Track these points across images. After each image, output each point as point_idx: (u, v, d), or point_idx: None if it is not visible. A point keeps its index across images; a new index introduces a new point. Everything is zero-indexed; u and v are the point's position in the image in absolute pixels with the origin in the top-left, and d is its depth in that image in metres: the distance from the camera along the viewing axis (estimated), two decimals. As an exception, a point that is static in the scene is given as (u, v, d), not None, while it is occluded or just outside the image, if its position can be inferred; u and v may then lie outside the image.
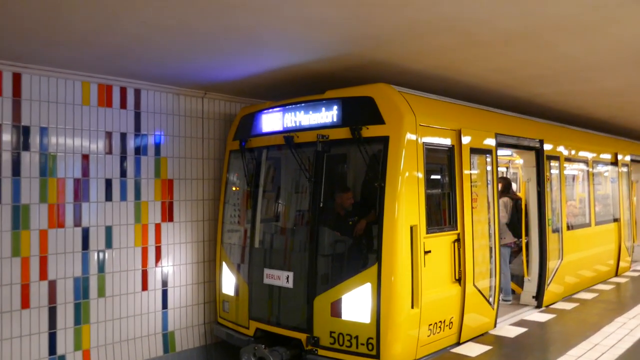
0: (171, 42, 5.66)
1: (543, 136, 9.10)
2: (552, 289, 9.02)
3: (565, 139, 10.22)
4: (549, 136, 9.38)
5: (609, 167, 12.62)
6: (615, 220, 12.25)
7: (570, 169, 10.80)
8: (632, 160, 13.48)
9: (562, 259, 9.29)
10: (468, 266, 6.87)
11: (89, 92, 6.99)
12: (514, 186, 10.78)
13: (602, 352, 6.38)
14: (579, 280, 10.22)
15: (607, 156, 12.35)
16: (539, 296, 8.83)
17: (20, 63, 6.30)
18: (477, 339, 7.02)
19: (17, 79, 6.36)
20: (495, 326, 7.51)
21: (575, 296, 9.67)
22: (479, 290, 7.11)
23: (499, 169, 8.36)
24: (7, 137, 6.27)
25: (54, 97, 6.66)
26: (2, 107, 6.24)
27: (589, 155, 11.29)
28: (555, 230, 9.21)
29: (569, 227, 9.90)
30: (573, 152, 10.50)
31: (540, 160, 8.95)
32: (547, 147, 9.12)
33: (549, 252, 8.90)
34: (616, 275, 11.97)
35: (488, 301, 7.32)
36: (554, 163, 9.47)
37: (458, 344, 6.79)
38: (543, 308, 8.71)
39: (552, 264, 8.99)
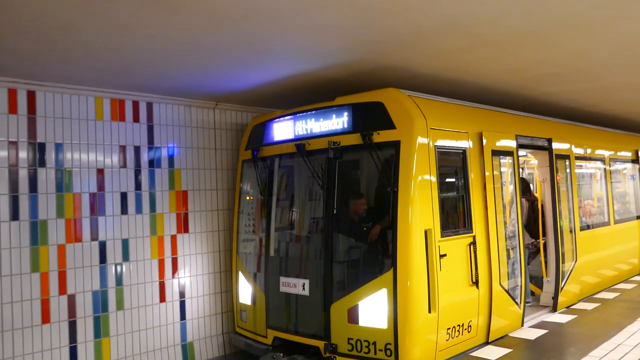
0: (181, 55, 5.72)
1: (551, 135, 8.89)
2: (567, 291, 8.79)
3: (576, 137, 9.96)
4: (557, 134, 9.15)
5: (629, 165, 12.44)
6: (639, 217, 12.07)
7: (584, 167, 10.54)
8: None
9: (576, 260, 9.03)
10: (494, 266, 6.97)
11: (102, 107, 7.08)
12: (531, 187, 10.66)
13: (625, 352, 6.28)
14: (598, 280, 10.02)
15: (626, 154, 12.17)
16: (554, 299, 8.62)
17: (34, 81, 6.41)
18: (497, 342, 6.95)
19: (31, 96, 6.47)
20: (522, 325, 7.58)
21: (597, 296, 9.53)
22: (506, 290, 7.18)
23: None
24: (23, 154, 6.37)
25: (68, 113, 6.76)
26: (18, 124, 6.35)
27: (606, 153, 11.14)
28: (570, 232, 9.00)
29: (587, 227, 9.77)
30: (586, 150, 10.26)
31: (550, 159, 8.76)
32: (555, 145, 8.88)
33: (564, 254, 8.70)
34: None
35: (515, 300, 7.39)
36: (563, 162, 9.21)
37: (487, 343, 6.88)
38: (564, 309, 8.59)
39: (566, 265, 8.77)
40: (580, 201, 10.07)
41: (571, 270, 8.90)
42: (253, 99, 8.24)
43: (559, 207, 8.70)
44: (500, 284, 7.10)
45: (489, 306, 6.92)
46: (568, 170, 9.34)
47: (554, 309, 8.47)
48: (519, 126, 8.37)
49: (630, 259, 11.57)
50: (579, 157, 9.98)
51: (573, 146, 9.58)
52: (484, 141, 7.16)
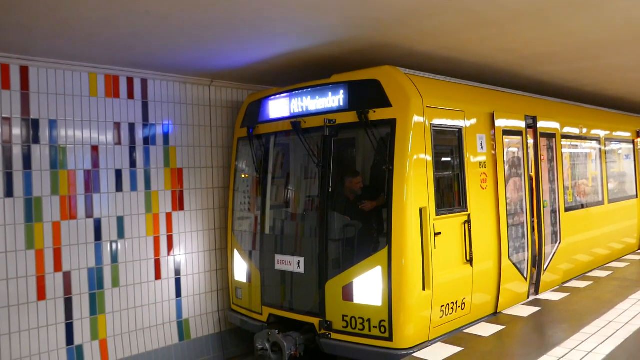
0: (177, 30, 5.65)
1: (536, 113, 8.59)
2: (550, 273, 8.63)
3: (564, 116, 9.66)
4: (542, 113, 8.84)
5: (627, 145, 12.43)
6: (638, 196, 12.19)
7: (574, 147, 10.29)
8: None
9: (559, 242, 8.87)
10: (503, 242, 7.33)
11: (96, 83, 7.01)
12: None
13: (616, 329, 6.36)
14: (587, 260, 9.96)
15: (623, 134, 12.15)
16: (536, 282, 8.35)
17: (27, 56, 6.32)
18: (490, 318, 7.04)
19: (24, 72, 6.39)
20: (528, 297, 7.97)
21: (589, 274, 9.62)
22: (514, 264, 7.59)
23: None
24: (17, 130, 6.32)
25: (62, 90, 6.68)
26: (11, 100, 6.28)
27: (601, 132, 11.10)
28: (552, 212, 8.84)
29: (577, 207, 9.74)
30: (577, 129, 10.06)
31: (535, 138, 8.46)
32: (541, 124, 8.60)
33: (547, 236, 8.57)
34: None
35: (522, 274, 7.77)
36: (548, 141, 8.95)
37: (496, 313, 7.26)
38: (556, 287, 8.67)
39: (548, 247, 8.60)
40: (575, 182, 10.07)
41: (554, 252, 8.74)
42: (249, 77, 8.17)
43: (542, 188, 8.54)
44: (508, 258, 7.43)
45: (498, 279, 7.24)
46: (554, 150, 9.06)
47: (536, 291, 8.29)
48: (507, 103, 8.29)
49: (624, 238, 11.63)
50: (569, 137, 9.79)
51: (560, 125, 9.31)
52: (494, 120, 7.38)
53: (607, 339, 6.04)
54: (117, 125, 7.21)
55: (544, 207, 8.51)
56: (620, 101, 12.52)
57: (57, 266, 6.58)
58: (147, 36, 5.81)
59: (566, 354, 5.66)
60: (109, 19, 5.17)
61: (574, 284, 8.90)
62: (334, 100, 6.69)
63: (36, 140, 6.46)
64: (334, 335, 6.38)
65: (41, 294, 6.45)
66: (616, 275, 9.53)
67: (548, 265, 8.56)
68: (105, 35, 5.69)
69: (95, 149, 6.97)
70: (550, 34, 6.39)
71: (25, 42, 5.85)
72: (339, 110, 6.61)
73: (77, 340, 6.73)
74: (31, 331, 6.35)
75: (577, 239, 9.58)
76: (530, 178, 9.37)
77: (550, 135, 9.00)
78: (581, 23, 6.00)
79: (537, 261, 8.38)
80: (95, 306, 6.92)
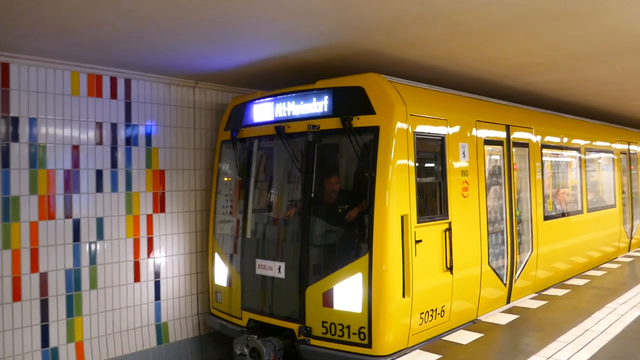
0: (161, 32, 5.61)
1: (509, 121, 8.51)
2: (522, 282, 8.58)
3: (540, 125, 9.57)
4: (516, 121, 8.75)
5: (607, 155, 12.62)
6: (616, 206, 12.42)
7: (553, 156, 10.26)
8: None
9: (532, 251, 8.82)
10: (484, 248, 7.50)
11: (79, 82, 6.93)
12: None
13: (592, 338, 6.43)
14: (564, 268, 10.04)
15: (604, 144, 12.31)
16: (508, 291, 8.24)
17: (8, 53, 6.23)
18: (468, 326, 7.08)
19: (5, 68, 6.30)
20: (508, 302, 8.13)
21: (568, 282, 9.72)
22: (493, 269, 7.76)
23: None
24: (-5, 128, 6.23)
25: (43, 87, 6.60)
26: (-10, 98, 6.20)
27: (581, 142, 11.23)
28: (526, 221, 8.84)
29: (562, 215, 9.85)
30: (554, 139, 10.05)
31: (508, 147, 8.37)
32: (513, 133, 8.55)
33: (522, 244, 8.61)
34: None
35: (501, 280, 7.98)
36: (521, 150, 8.86)
37: (476, 320, 7.35)
38: (534, 293, 8.75)
39: (521, 256, 8.59)
40: (556, 190, 10.18)
41: (526, 261, 8.71)
42: (234, 79, 8.15)
43: (515, 197, 8.51)
44: (488, 264, 7.58)
45: (478, 286, 7.38)
46: (527, 159, 9.00)
47: (507, 300, 8.18)
48: (486, 111, 8.32)
49: (602, 247, 11.78)
50: (546, 146, 9.74)
51: (532, 134, 9.20)
52: (477, 129, 7.53)
53: (582, 348, 6.10)
54: (99, 125, 7.14)
55: (516, 215, 8.55)
56: (605, 113, 12.70)
57: (34, 267, 6.48)
58: (131, 36, 5.76)
59: (543, 363, 5.72)
60: (92, 18, 5.11)
61: (552, 292, 8.99)
62: (318, 105, 6.69)
63: (15, 138, 6.37)
64: (313, 341, 6.37)
65: (16, 295, 6.35)
66: (594, 284, 9.64)
67: (519, 275, 8.53)
68: (89, 34, 5.63)
69: (75, 148, 6.89)
70: (532, 45, 6.47)
71: (7, 39, 5.77)
72: (322, 116, 6.61)
73: (53, 343, 6.64)
74: (5, 333, 6.25)
75: (555, 247, 9.64)
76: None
77: (530, 145, 9.08)
78: (561, 36, 6.09)
79: (510, 270, 8.34)
80: (72, 308, 6.82)
